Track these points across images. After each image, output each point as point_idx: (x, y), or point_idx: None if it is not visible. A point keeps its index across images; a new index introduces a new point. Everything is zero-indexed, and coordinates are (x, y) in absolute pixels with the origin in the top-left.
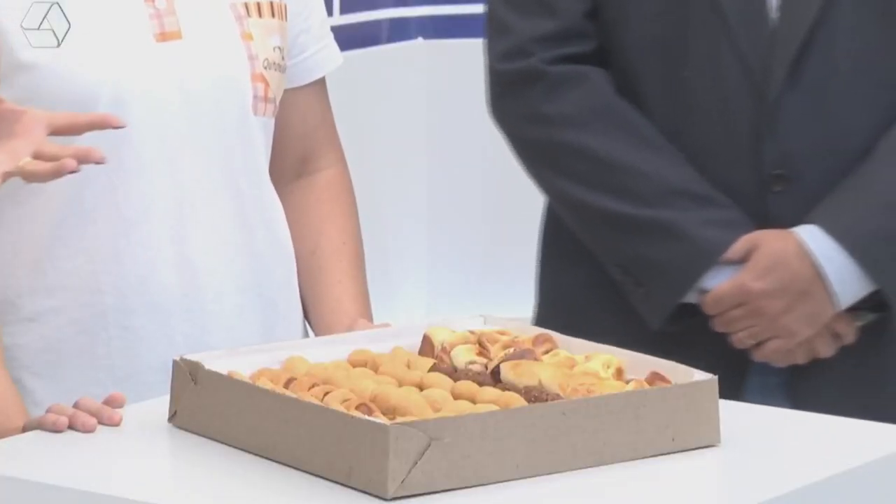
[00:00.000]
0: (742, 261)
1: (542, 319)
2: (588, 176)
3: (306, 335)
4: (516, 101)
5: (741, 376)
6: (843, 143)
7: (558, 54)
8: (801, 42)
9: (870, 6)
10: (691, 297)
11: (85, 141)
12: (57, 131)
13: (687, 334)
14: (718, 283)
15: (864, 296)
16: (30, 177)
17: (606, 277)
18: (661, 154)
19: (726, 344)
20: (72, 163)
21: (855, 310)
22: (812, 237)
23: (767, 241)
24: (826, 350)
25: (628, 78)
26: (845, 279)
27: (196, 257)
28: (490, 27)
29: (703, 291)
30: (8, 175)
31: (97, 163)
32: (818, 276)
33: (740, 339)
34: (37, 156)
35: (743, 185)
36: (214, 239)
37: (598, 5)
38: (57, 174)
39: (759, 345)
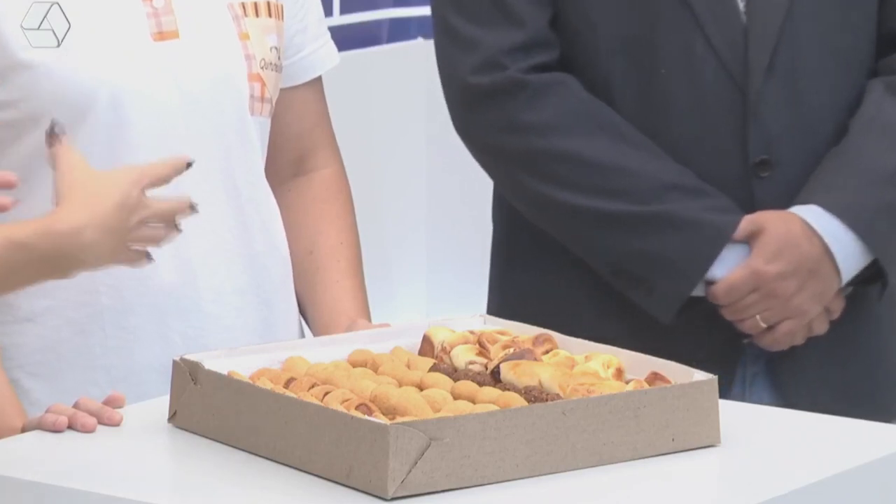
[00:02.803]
0: (747, 241)
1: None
2: (576, 179)
3: (303, 335)
4: (492, 113)
5: (731, 369)
6: (817, 124)
7: (530, 64)
8: (777, 33)
9: None
10: (698, 290)
11: (80, 137)
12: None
13: (671, 331)
14: (724, 272)
15: (861, 269)
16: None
17: (560, 281)
18: (646, 152)
19: (717, 337)
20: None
21: None
22: (815, 216)
23: (772, 223)
24: (822, 327)
25: (598, 82)
26: (849, 255)
27: (194, 257)
28: (452, 43)
29: (710, 283)
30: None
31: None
32: (826, 254)
33: (752, 325)
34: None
35: (727, 175)
36: (212, 239)
37: (559, 13)
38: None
39: (769, 328)
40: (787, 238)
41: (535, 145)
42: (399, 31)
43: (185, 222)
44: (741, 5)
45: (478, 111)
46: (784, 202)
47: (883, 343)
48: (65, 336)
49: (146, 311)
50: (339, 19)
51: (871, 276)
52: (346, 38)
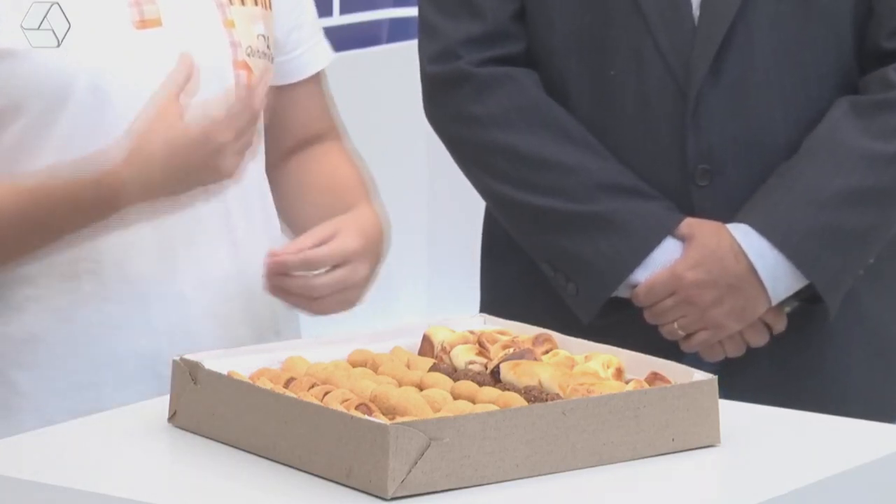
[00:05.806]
0: (683, 240)
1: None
2: (515, 174)
3: (291, 324)
4: (446, 103)
5: None
6: (764, 136)
7: (486, 56)
8: (722, 39)
9: (788, 0)
10: (622, 292)
11: (60, 125)
12: None
13: (619, 328)
14: (647, 276)
15: (795, 291)
16: None
17: (537, 272)
18: (588, 151)
19: (658, 338)
20: None
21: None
22: (744, 235)
23: (704, 233)
24: (758, 340)
25: (556, 78)
26: (778, 276)
27: (175, 244)
28: (420, 30)
29: (633, 286)
30: None
31: None
32: (751, 272)
33: (670, 330)
34: None
35: (668, 180)
36: (194, 226)
37: (524, 7)
38: None
39: (687, 337)
40: (714, 250)
41: (479, 137)
42: (399, 31)
43: (167, 209)
44: (695, 12)
45: (435, 100)
46: (724, 212)
47: (836, 357)
48: (49, 325)
49: (127, 297)
50: (338, 19)
51: (817, 294)
52: (346, 38)
